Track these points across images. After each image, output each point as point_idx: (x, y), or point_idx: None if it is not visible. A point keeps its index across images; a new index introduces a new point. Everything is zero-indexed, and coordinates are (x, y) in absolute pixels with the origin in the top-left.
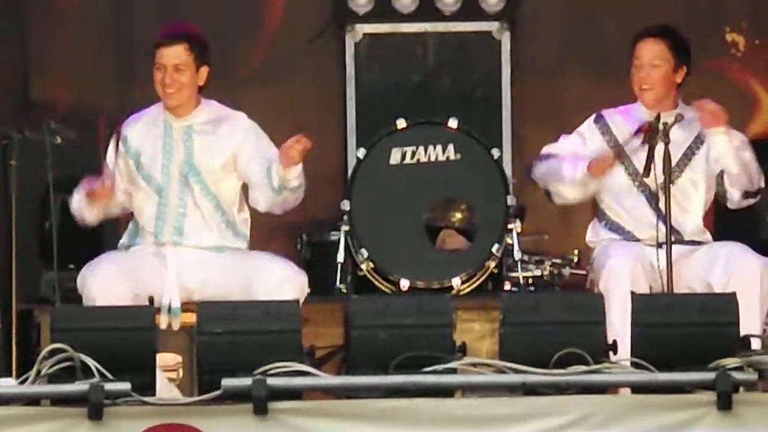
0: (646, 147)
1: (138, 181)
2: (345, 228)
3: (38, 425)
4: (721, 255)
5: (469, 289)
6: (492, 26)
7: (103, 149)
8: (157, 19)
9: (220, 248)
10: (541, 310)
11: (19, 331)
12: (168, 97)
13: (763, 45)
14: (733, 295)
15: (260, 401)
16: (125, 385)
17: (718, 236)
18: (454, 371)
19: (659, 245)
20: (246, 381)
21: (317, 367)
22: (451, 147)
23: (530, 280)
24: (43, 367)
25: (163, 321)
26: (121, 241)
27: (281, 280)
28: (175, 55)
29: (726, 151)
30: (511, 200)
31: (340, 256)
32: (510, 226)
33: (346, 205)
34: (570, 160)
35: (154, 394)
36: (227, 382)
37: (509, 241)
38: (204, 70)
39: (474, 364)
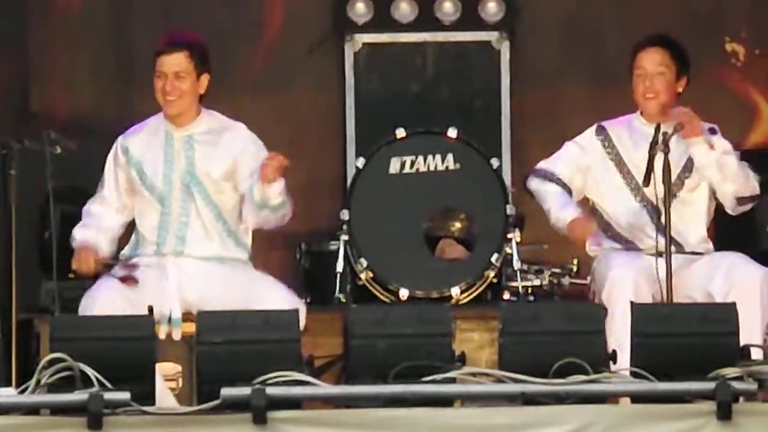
0: (646, 157)
1: (141, 191)
2: (344, 237)
3: None
4: (722, 265)
5: (468, 299)
6: (491, 36)
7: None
8: (158, 28)
9: (222, 259)
10: (540, 320)
11: (19, 340)
12: (168, 104)
13: (762, 55)
14: (733, 304)
15: (259, 411)
16: (125, 395)
17: (717, 247)
18: (453, 381)
19: (659, 255)
20: (245, 390)
21: (316, 377)
22: (450, 156)
23: (530, 290)
24: (43, 376)
25: (162, 331)
26: (123, 252)
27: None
28: (175, 62)
29: (706, 161)
30: (510, 210)
31: (340, 266)
32: (509, 235)
33: (345, 214)
34: (560, 201)
35: (153, 404)
36: (226, 391)
37: (508, 250)
38: (205, 78)
39: (473, 374)
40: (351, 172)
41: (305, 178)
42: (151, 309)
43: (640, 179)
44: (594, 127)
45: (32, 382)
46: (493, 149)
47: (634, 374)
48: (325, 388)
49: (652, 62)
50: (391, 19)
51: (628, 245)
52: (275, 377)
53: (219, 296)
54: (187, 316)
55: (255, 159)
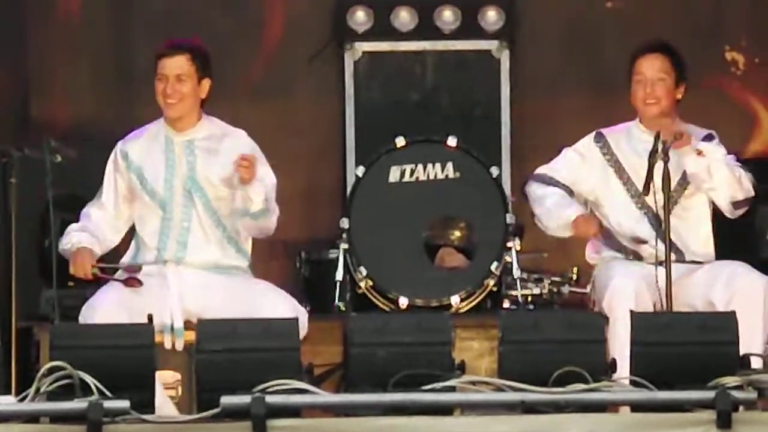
0: (645, 164)
1: (141, 196)
2: (344, 246)
3: None
4: (724, 273)
5: (468, 307)
6: (491, 45)
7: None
8: (158, 36)
9: (222, 267)
10: (540, 329)
11: (19, 348)
12: (169, 107)
13: (762, 63)
14: (733, 313)
15: (259, 419)
16: (124, 403)
17: (718, 255)
18: (453, 389)
19: (659, 264)
20: (245, 399)
21: (316, 385)
22: (450, 165)
23: (529, 298)
24: (42, 384)
25: (167, 341)
26: (123, 260)
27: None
28: (177, 65)
29: (697, 169)
30: (510, 218)
31: (339, 274)
32: (509, 244)
33: (345, 223)
34: (561, 201)
35: (153, 412)
36: (226, 399)
37: (508, 259)
38: (206, 83)
39: (473, 383)
40: (351, 181)
41: (305, 186)
42: (150, 317)
43: (639, 186)
44: (592, 134)
45: (32, 390)
46: (493, 158)
47: (633, 383)
48: (324, 397)
49: (652, 68)
50: (391, 27)
51: (628, 252)
52: (275, 385)
53: (220, 305)
54: (187, 325)
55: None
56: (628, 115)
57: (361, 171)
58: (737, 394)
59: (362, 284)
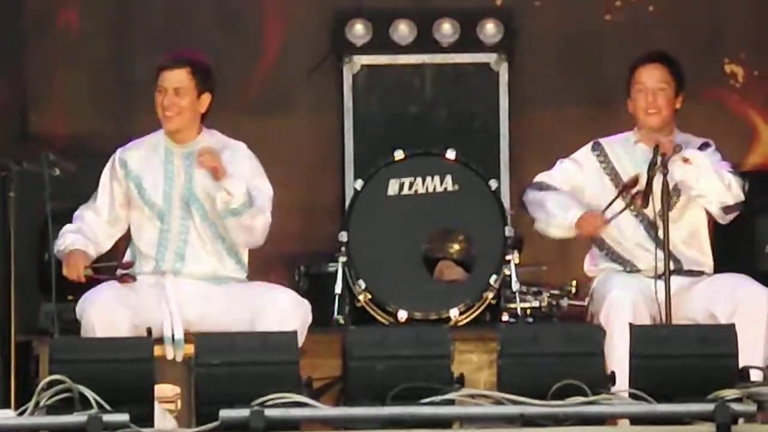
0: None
1: (139, 206)
2: (343, 259)
3: None
4: (726, 286)
5: (467, 321)
6: (490, 58)
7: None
8: (156, 50)
9: (221, 278)
10: (539, 341)
11: (18, 362)
12: (167, 120)
13: (762, 76)
14: (732, 326)
15: None
16: (123, 417)
17: (716, 267)
18: (452, 402)
19: (658, 277)
20: (244, 412)
21: (315, 399)
22: (449, 178)
23: (528, 311)
24: (42, 398)
25: (168, 352)
26: (120, 270)
27: (285, 309)
28: (176, 78)
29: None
30: (509, 231)
31: (338, 288)
32: (508, 257)
33: (343, 236)
34: (563, 202)
35: (152, 426)
36: (225, 413)
37: (507, 272)
38: (206, 97)
39: (472, 396)
40: (349, 194)
41: (304, 199)
42: (149, 331)
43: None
44: (590, 144)
45: (31, 404)
46: (492, 170)
47: (633, 396)
48: (323, 410)
49: (652, 78)
50: (390, 40)
51: (627, 265)
52: (274, 399)
53: (219, 312)
54: (186, 338)
55: (251, 181)
56: (626, 128)
57: (359, 184)
58: (737, 407)
59: (361, 297)
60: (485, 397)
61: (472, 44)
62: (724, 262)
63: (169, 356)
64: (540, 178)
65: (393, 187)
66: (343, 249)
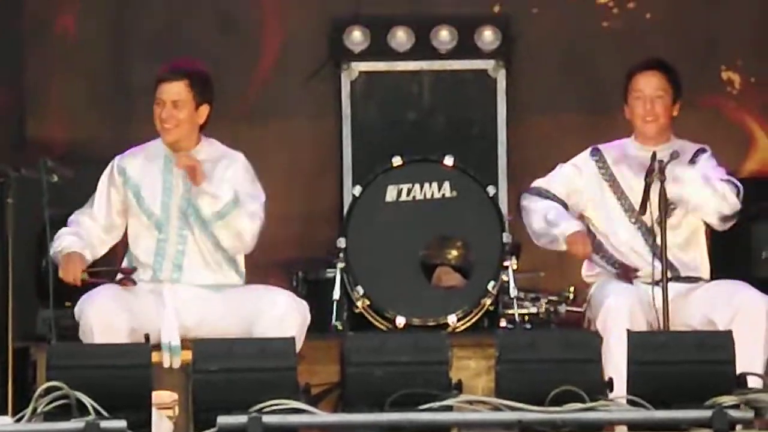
0: (642, 183)
1: (137, 215)
2: (341, 265)
3: None
4: (724, 292)
5: (465, 327)
6: (488, 64)
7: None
8: (154, 56)
9: (219, 287)
10: (537, 348)
11: (15, 368)
12: (165, 132)
13: (758, 83)
14: (729, 332)
15: None
16: (121, 423)
17: (713, 275)
18: (449, 408)
19: (655, 283)
20: (242, 419)
21: (313, 405)
22: (446, 184)
23: (526, 318)
24: (39, 404)
25: (165, 359)
26: (118, 277)
27: (284, 312)
28: (174, 91)
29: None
30: (506, 237)
31: (336, 294)
32: (506, 263)
33: (341, 242)
34: (558, 214)
35: None
36: (223, 419)
37: (505, 278)
38: (204, 109)
39: (470, 402)
40: (347, 200)
41: (302, 206)
42: (147, 337)
43: (634, 201)
44: (589, 149)
45: (28, 411)
46: (490, 177)
47: (630, 402)
48: (321, 416)
49: (650, 86)
50: (388, 47)
51: (622, 268)
52: (272, 405)
53: (217, 317)
54: (184, 344)
55: (244, 188)
56: (623, 134)
57: (357, 190)
58: (734, 414)
59: (359, 303)
60: (483, 403)
61: (470, 51)
62: (720, 269)
63: (166, 364)
64: (538, 183)
65: (391, 194)
66: (341, 255)
